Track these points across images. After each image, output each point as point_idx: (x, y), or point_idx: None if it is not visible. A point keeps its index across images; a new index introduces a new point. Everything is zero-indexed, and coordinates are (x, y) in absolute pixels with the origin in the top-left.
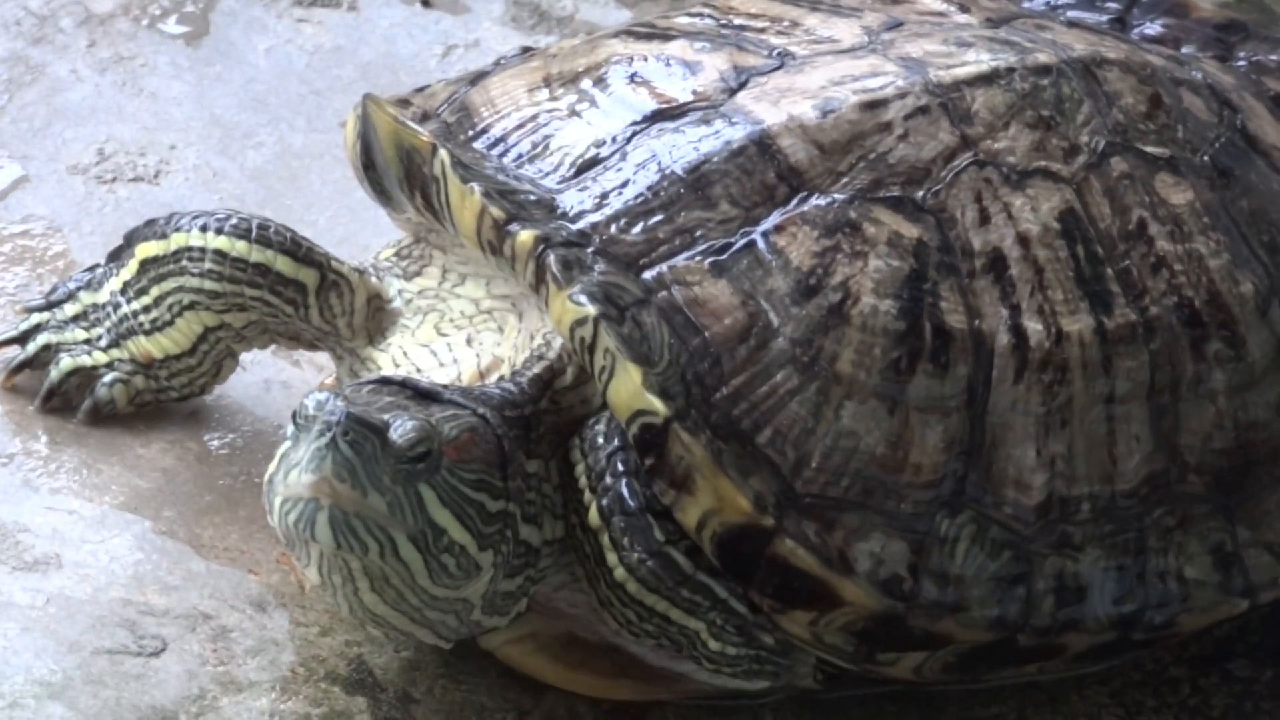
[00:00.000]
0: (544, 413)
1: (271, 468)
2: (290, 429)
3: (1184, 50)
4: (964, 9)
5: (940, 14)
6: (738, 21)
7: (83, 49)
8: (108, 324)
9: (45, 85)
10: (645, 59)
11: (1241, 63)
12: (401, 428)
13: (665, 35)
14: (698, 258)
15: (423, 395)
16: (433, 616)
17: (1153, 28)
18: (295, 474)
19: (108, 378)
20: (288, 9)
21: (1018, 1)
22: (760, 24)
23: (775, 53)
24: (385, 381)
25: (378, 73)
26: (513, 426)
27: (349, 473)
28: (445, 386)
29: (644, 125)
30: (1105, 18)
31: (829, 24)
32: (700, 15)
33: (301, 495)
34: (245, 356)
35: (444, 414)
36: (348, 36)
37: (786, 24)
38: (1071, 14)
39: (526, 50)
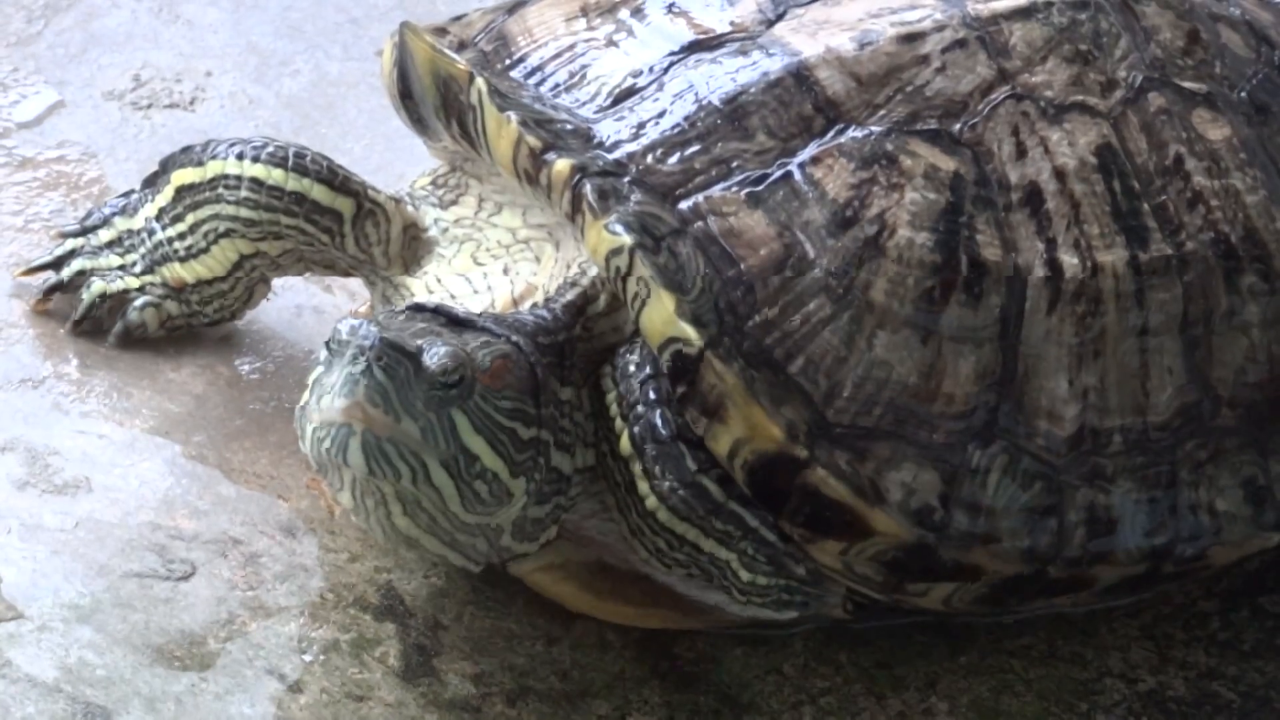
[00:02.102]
0: (577, 340)
1: (305, 394)
2: (323, 354)
3: None
4: None
5: None
6: None
7: None
8: (142, 250)
9: (81, 10)
10: None
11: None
12: (435, 353)
13: None
14: (734, 188)
15: (456, 322)
16: (463, 540)
17: None
18: (328, 399)
19: (139, 301)
20: None
21: None
22: None
23: None
24: (419, 309)
25: (415, 1)
26: (546, 354)
27: (382, 397)
28: (479, 314)
29: (681, 56)
30: None
31: None
32: None
33: (334, 420)
34: (277, 282)
35: (478, 341)
36: None
37: None
38: None
39: None
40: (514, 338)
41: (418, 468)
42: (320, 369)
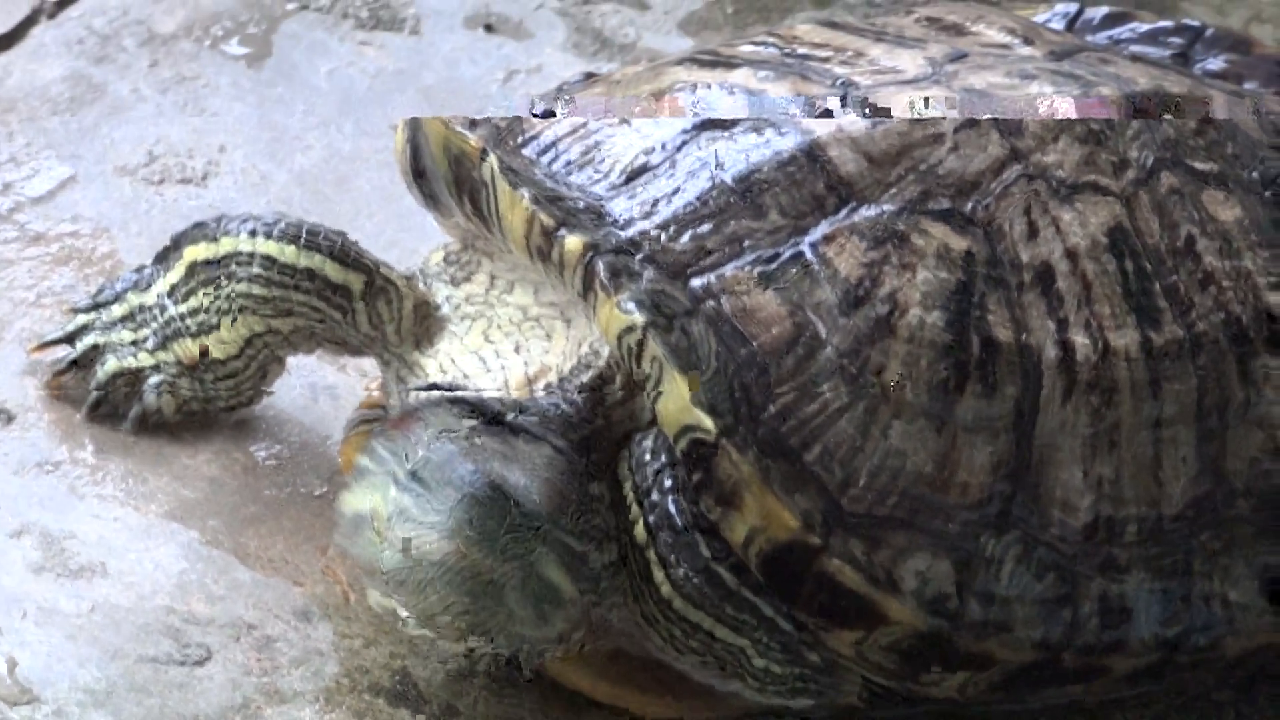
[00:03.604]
0: (598, 429)
1: (370, 503)
2: (395, 470)
3: (1246, 86)
4: (1028, 41)
5: (1004, 46)
6: (801, 51)
7: (145, 69)
8: (154, 326)
9: (106, 104)
10: (709, 87)
11: None
12: (524, 490)
13: (729, 63)
14: (746, 267)
15: (494, 420)
16: (534, 651)
17: (1215, 63)
18: (422, 533)
19: (154, 380)
20: (350, 32)
21: (1081, 36)
22: (824, 54)
23: (839, 82)
24: (455, 401)
25: (440, 97)
26: (579, 451)
27: (484, 539)
28: (515, 408)
29: (694, 134)
30: (1168, 53)
31: (893, 55)
32: (764, 44)
33: (430, 559)
34: (291, 361)
35: (531, 451)
36: (410, 60)
37: (850, 54)
38: (1135, 49)
39: (589, 76)
40: (556, 441)
41: (502, 604)
42: (395, 490)
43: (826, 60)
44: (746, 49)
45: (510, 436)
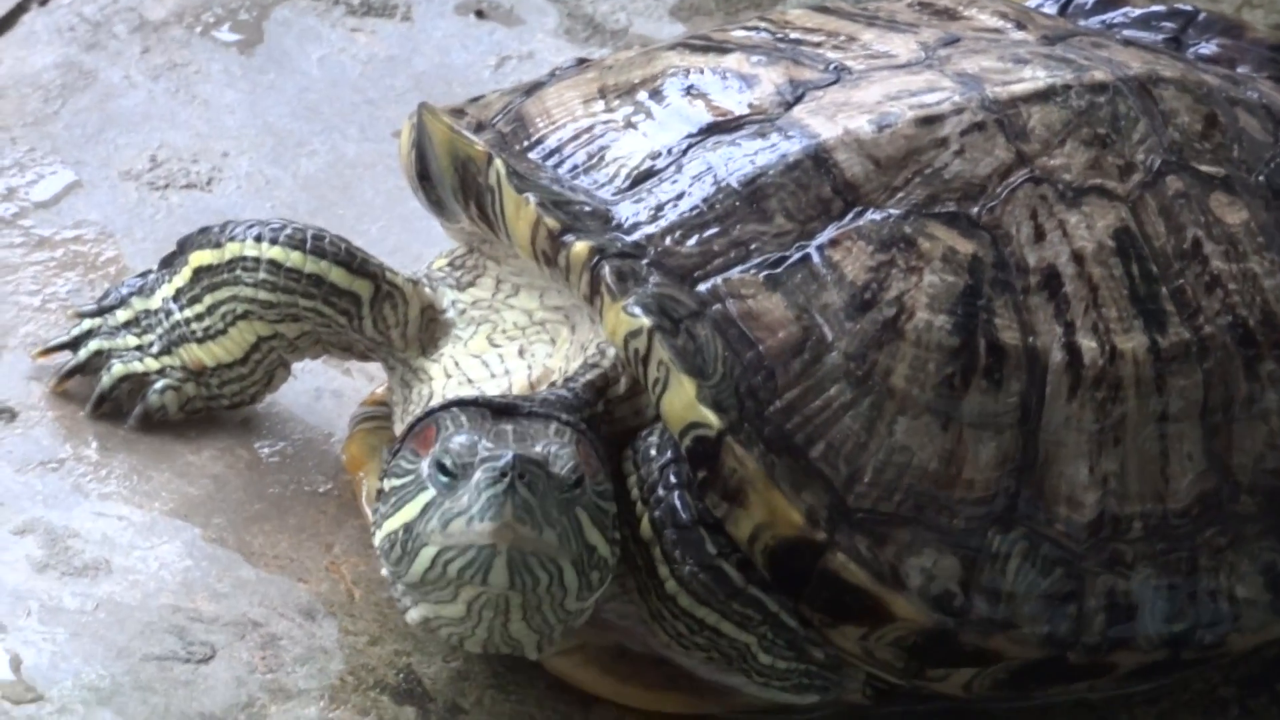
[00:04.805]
0: (600, 419)
1: (408, 516)
2: (425, 472)
3: (1239, 70)
4: (1020, 26)
5: (997, 31)
6: (794, 35)
7: (136, 55)
8: (159, 331)
9: (98, 91)
10: (701, 71)
11: None
12: (559, 458)
13: (721, 48)
14: (752, 271)
15: (502, 412)
16: (557, 633)
17: (1208, 48)
18: (464, 522)
19: (159, 384)
20: (341, 18)
21: (1074, 20)
22: (816, 38)
23: (831, 67)
24: (462, 402)
25: (431, 83)
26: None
27: (528, 513)
28: (521, 399)
29: (699, 138)
30: (1161, 37)
31: (885, 39)
32: (756, 29)
33: (479, 543)
34: (296, 365)
35: (549, 430)
36: (401, 46)
37: (843, 39)
38: (1127, 33)
39: (582, 62)
40: (563, 416)
41: (554, 572)
42: (429, 491)
43: (819, 45)
44: (739, 34)
45: (521, 420)
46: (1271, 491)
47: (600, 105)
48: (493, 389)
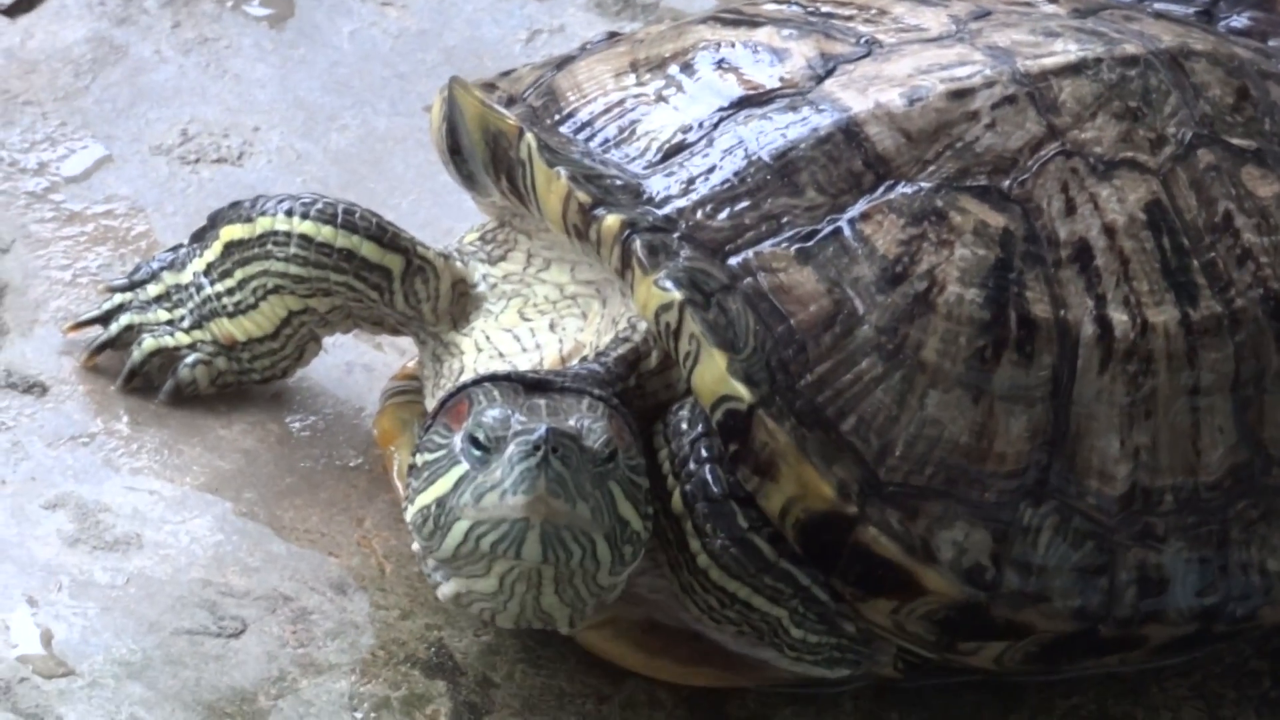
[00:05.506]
0: (631, 394)
1: (442, 489)
2: (458, 446)
3: (1270, 43)
4: None
5: (1028, 4)
6: (825, 9)
7: (167, 30)
8: (190, 305)
9: (129, 66)
10: (733, 45)
11: None
12: (592, 432)
13: (752, 22)
14: (784, 244)
15: (534, 387)
16: (589, 607)
17: (1239, 21)
18: (498, 496)
19: (190, 358)
20: None
21: None
22: (847, 12)
23: (862, 40)
24: (494, 378)
25: (462, 57)
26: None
27: (561, 487)
28: (553, 374)
29: (731, 111)
30: (1192, 10)
31: (916, 12)
32: (788, 3)
33: (513, 516)
34: (327, 339)
35: (582, 404)
36: (432, 20)
37: (874, 12)
38: (1159, 5)
39: (613, 35)
40: (594, 391)
41: (587, 546)
42: (462, 465)
43: (850, 18)
44: (770, 7)
45: (553, 394)
46: None
47: (631, 79)
48: (524, 363)
